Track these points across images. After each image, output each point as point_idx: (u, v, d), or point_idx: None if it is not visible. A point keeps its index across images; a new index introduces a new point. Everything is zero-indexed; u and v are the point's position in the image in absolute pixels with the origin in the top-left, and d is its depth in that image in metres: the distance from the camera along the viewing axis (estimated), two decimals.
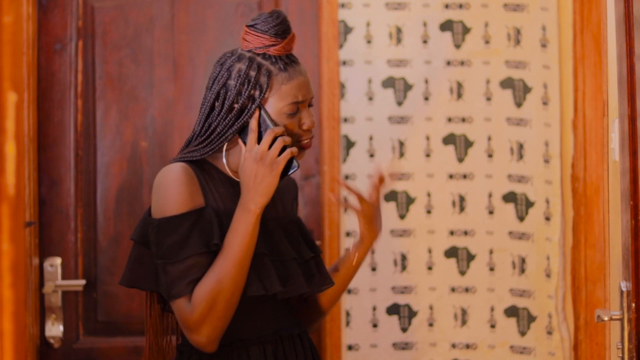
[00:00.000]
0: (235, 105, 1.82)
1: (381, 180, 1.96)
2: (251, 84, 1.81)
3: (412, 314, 2.86)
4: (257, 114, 1.81)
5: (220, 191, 1.85)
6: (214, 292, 1.75)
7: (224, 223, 1.81)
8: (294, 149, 1.79)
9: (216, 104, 1.84)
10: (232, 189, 1.86)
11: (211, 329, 1.77)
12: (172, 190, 1.79)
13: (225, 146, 1.86)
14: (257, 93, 1.81)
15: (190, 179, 1.80)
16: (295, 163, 1.81)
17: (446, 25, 2.86)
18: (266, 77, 1.81)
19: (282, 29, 1.83)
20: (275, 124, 1.81)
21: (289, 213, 1.99)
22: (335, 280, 1.97)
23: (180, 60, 2.85)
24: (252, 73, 1.81)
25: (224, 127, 1.83)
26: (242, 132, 1.83)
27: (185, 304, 1.76)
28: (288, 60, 1.83)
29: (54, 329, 2.79)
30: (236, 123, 1.82)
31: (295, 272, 1.86)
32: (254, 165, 1.78)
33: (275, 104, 1.81)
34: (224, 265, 1.76)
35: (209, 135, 1.84)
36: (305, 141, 1.86)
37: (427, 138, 2.86)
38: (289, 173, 1.81)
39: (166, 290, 1.78)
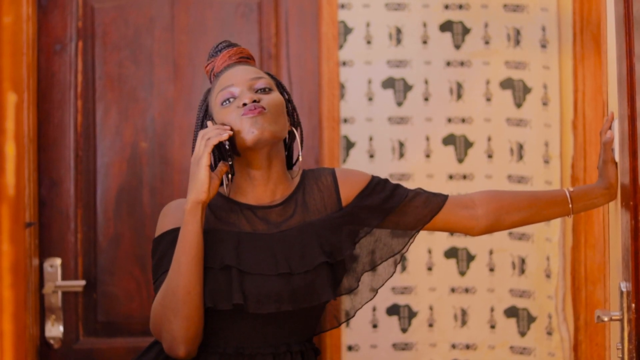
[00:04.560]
0: (196, 131, 1.89)
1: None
2: (202, 105, 1.91)
3: (412, 314, 2.86)
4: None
5: (210, 212, 1.85)
6: (160, 296, 1.77)
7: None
8: (218, 128, 1.78)
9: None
10: (222, 211, 1.87)
11: (167, 334, 1.76)
12: (159, 220, 1.88)
13: None
14: (203, 112, 1.90)
15: (176, 207, 1.86)
16: (226, 144, 1.78)
17: (446, 26, 2.86)
18: (207, 94, 1.91)
19: (216, 50, 1.94)
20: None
21: (315, 216, 1.89)
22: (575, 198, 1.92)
23: (180, 60, 2.85)
24: (203, 98, 1.93)
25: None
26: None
27: None
28: (227, 67, 1.90)
29: (54, 330, 2.79)
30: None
31: (278, 288, 1.79)
32: (191, 169, 1.79)
33: (212, 105, 1.87)
34: (170, 270, 1.77)
35: None
36: (248, 112, 1.80)
37: (427, 138, 2.86)
38: (226, 157, 1.80)
39: None
